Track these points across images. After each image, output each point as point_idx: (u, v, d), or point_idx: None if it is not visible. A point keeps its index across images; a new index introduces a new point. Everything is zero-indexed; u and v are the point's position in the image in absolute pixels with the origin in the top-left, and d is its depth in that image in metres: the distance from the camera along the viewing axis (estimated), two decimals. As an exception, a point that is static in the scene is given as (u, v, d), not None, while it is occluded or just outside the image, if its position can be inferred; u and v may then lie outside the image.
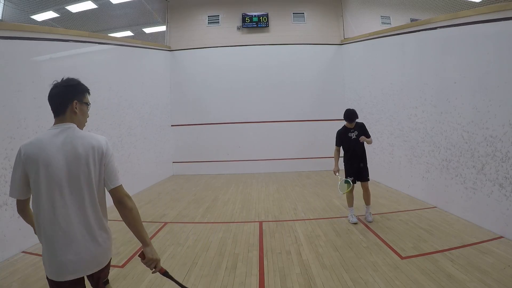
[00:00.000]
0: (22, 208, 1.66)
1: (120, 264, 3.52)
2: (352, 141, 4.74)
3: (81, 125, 1.72)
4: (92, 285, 1.71)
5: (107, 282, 1.76)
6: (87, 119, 1.81)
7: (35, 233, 1.62)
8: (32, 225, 1.68)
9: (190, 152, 10.03)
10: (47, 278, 1.57)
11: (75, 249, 1.53)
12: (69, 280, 1.55)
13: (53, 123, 1.65)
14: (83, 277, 1.62)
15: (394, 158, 6.82)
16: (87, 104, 1.76)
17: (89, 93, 1.78)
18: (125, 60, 7.47)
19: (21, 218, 1.70)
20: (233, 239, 4.21)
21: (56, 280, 1.54)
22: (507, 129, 3.87)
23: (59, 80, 1.69)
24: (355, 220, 4.70)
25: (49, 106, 1.66)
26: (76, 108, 1.68)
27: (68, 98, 1.66)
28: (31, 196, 1.58)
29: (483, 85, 4.29)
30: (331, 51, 9.98)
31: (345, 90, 9.69)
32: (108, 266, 1.73)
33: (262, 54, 9.91)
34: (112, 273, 3.29)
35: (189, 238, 4.33)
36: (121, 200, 1.62)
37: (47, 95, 1.65)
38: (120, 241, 4.25)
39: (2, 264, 3.57)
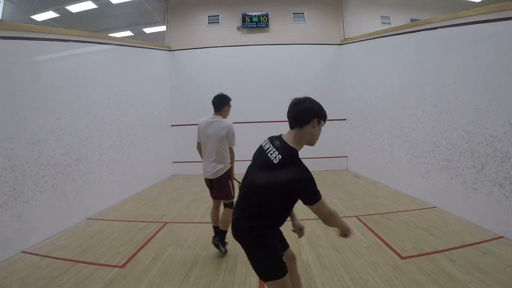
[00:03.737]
0: None
1: (120, 264, 3.51)
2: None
3: None
4: None
5: None
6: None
7: None
8: None
9: (190, 152, 9.91)
10: None
11: None
12: None
13: None
14: None
15: (394, 158, 6.82)
16: None
17: None
18: (125, 60, 7.47)
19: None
20: (233, 239, 4.19)
21: None
22: (507, 129, 3.87)
23: None
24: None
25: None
26: None
27: None
28: None
29: (483, 85, 4.29)
30: (331, 51, 9.97)
31: (345, 90, 9.68)
32: None
33: (262, 54, 9.89)
34: (112, 273, 3.29)
35: (189, 238, 4.33)
36: None
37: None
38: (120, 241, 4.25)
39: (2, 264, 3.56)
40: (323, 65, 9.95)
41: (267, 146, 1.99)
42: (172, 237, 4.36)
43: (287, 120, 1.99)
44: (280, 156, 1.85)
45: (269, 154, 1.91)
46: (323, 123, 1.97)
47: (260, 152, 2.02)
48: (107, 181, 6.13)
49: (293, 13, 10.11)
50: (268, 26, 9.99)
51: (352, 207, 5.54)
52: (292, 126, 1.97)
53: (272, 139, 2.01)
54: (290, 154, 1.86)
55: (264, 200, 1.90)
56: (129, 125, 7.21)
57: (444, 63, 5.16)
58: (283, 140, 1.95)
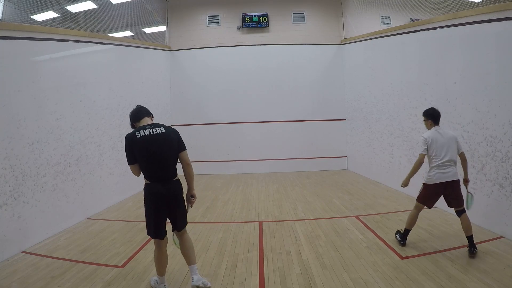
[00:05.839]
0: None
1: (120, 264, 3.51)
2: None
3: None
4: None
5: None
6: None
7: None
8: None
9: (190, 152, 9.74)
10: None
11: None
12: None
13: None
14: None
15: (394, 158, 6.82)
16: None
17: None
18: (125, 60, 7.47)
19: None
20: (233, 239, 4.21)
21: None
22: (507, 129, 3.87)
23: None
24: None
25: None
26: None
27: None
28: None
29: (483, 85, 4.29)
30: (331, 51, 9.98)
31: (345, 90, 9.69)
32: None
33: (262, 54, 9.90)
34: (112, 273, 3.30)
35: (189, 238, 4.33)
36: None
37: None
38: (120, 241, 4.25)
39: (2, 264, 3.57)
40: (323, 65, 9.95)
41: (147, 132, 2.96)
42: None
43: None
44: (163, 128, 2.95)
45: (156, 132, 2.94)
46: None
47: (147, 139, 2.93)
48: (107, 181, 6.13)
49: (293, 13, 10.12)
50: (268, 26, 9.99)
51: (352, 207, 5.54)
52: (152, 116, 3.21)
53: (146, 127, 3.03)
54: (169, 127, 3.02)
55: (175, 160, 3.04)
56: (129, 125, 7.18)
57: (444, 63, 5.16)
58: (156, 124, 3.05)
